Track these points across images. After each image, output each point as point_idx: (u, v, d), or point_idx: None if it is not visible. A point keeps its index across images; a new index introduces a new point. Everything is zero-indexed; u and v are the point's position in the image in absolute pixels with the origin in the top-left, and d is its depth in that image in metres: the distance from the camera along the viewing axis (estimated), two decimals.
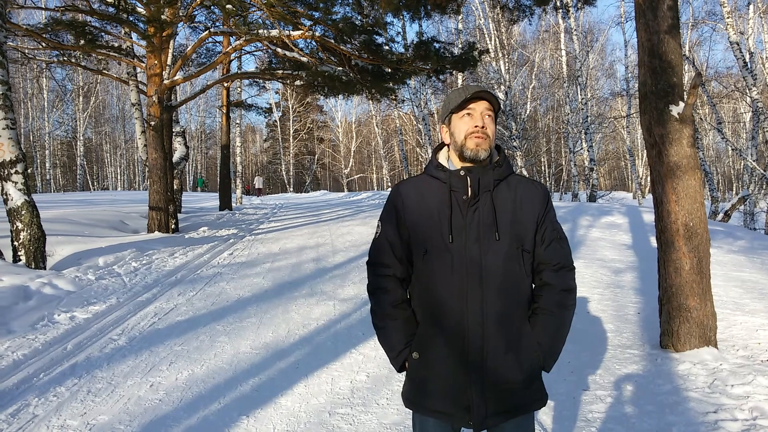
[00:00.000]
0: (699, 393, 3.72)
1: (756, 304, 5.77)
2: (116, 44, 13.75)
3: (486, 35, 22.26)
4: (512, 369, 1.87)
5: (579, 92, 21.61)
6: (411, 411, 2.03)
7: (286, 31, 11.11)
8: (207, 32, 13.11)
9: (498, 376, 1.86)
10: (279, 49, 12.56)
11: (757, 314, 5.39)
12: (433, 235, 1.91)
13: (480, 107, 1.91)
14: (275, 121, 49.51)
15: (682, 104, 4.58)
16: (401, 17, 16.26)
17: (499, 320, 1.86)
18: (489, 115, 1.91)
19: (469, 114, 1.91)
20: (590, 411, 3.58)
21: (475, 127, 1.89)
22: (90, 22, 12.37)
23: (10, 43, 12.52)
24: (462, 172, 1.90)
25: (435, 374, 1.91)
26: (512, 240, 1.89)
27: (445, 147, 2.02)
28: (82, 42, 12.19)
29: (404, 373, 2.03)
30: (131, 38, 13.87)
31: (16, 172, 7.56)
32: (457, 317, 1.86)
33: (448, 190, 1.92)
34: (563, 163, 31.31)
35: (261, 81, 25.27)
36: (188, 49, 13.44)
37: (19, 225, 7.54)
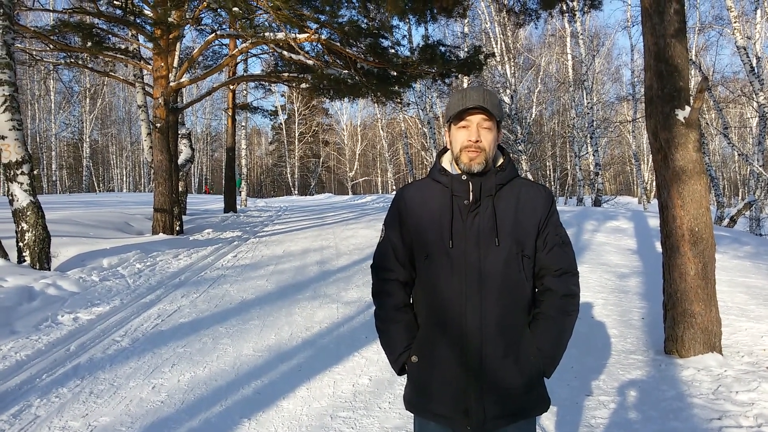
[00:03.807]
0: (703, 399, 3.70)
1: (761, 310, 5.73)
2: (123, 46, 13.84)
3: (492, 39, 22.26)
4: (511, 373, 1.86)
5: (585, 96, 21.57)
6: (412, 414, 2.02)
7: (292, 34, 11.13)
8: (213, 35, 13.16)
9: (497, 380, 1.85)
10: (285, 52, 12.58)
11: (763, 320, 5.35)
12: (435, 240, 1.90)
13: (477, 119, 1.87)
14: (281, 123, 49.62)
15: (688, 109, 4.56)
16: (407, 21, 16.29)
17: (498, 325, 1.85)
18: (486, 127, 1.88)
19: (465, 126, 1.89)
20: (593, 416, 3.56)
21: (469, 141, 1.86)
22: (97, 24, 12.45)
23: (18, 45, 12.57)
24: (464, 177, 1.89)
25: (434, 377, 1.90)
26: (512, 245, 1.87)
27: (449, 151, 2.00)
28: (89, 44, 12.26)
29: (406, 376, 2.03)
30: (138, 40, 13.94)
31: (22, 173, 7.59)
32: (456, 321, 1.86)
33: (449, 195, 1.91)
34: (568, 168, 31.26)
35: (267, 84, 25.31)
36: (195, 51, 13.49)
37: (24, 226, 7.56)
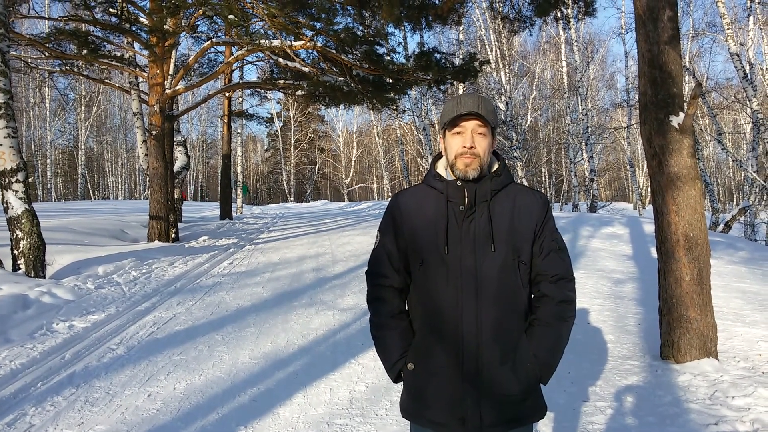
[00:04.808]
0: (700, 404, 3.70)
1: (757, 315, 5.75)
2: (118, 54, 13.83)
3: (487, 46, 22.34)
4: (508, 380, 1.86)
5: (579, 103, 21.66)
6: (408, 422, 2.01)
7: (288, 42, 11.15)
8: (209, 42, 13.19)
9: (493, 387, 1.85)
10: (280, 59, 12.62)
11: (758, 325, 5.37)
12: (430, 246, 1.90)
13: (471, 125, 1.87)
14: (276, 130, 49.65)
15: (682, 115, 4.58)
16: (402, 28, 16.33)
17: (495, 331, 1.85)
18: (480, 133, 1.88)
19: (460, 133, 1.89)
20: (590, 422, 3.55)
21: (464, 147, 1.86)
22: (93, 31, 12.44)
23: (13, 53, 12.57)
24: (459, 183, 1.89)
25: (431, 385, 1.90)
26: (509, 251, 1.87)
27: (444, 157, 2.00)
28: (85, 51, 12.25)
29: (402, 383, 2.02)
30: (133, 48, 13.95)
31: (17, 181, 7.57)
32: (452, 328, 1.85)
33: (445, 201, 1.91)
34: (564, 174, 31.32)
35: (262, 91, 25.39)
36: (190, 58, 13.51)
37: (19, 234, 7.54)
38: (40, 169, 37.00)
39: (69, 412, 3.77)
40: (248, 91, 25.99)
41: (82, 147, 35.49)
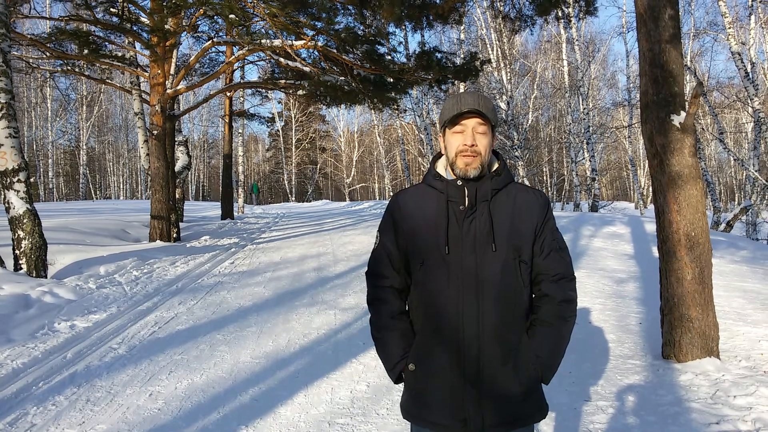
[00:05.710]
0: (701, 404, 3.69)
1: (758, 314, 5.74)
2: (120, 54, 13.85)
3: (488, 45, 22.33)
4: (510, 381, 1.85)
5: (581, 102, 21.63)
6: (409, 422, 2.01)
7: (289, 41, 11.16)
8: (210, 42, 13.19)
9: (495, 387, 1.84)
10: (282, 59, 12.61)
11: (760, 325, 5.36)
12: (431, 246, 1.89)
13: (472, 123, 1.86)
14: (278, 130, 49.64)
15: (683, 114, 4.58)
16: (403, 27, 16.34)
17: (496, 331, 1.84)
18: (481, 131, 1.87)
19: (460, 131, 1.88)
20: (592, 422, 3.55)
21: (464, 145, 1.86)
22: (94, 31, 12.45)
23: (15, 53, 12.58)
24: (459, 182, 1.89)
25: (432, 386, 1.89)
26: (509, 250, 1.86)
27: (444, 156, 2.00)
28: (86, 51, 12.27)
29: (403, 384, 2.02)
30: (135, 48, 13.96)
31: (19, 181, 7.57)
32: (453, 328, 1.85)
33: (445, 200, 1.90)
34: (565, 173, 31.26)
35: (263, 90, 25.38)
36: (191, 58, 13.52)
37: (21, 233, 7.54)
38: (41, 169, 37.04)
39: (70, 411, 3.78)
40: (249, 91, 26.00)
41: (84, 147, 35.53)
